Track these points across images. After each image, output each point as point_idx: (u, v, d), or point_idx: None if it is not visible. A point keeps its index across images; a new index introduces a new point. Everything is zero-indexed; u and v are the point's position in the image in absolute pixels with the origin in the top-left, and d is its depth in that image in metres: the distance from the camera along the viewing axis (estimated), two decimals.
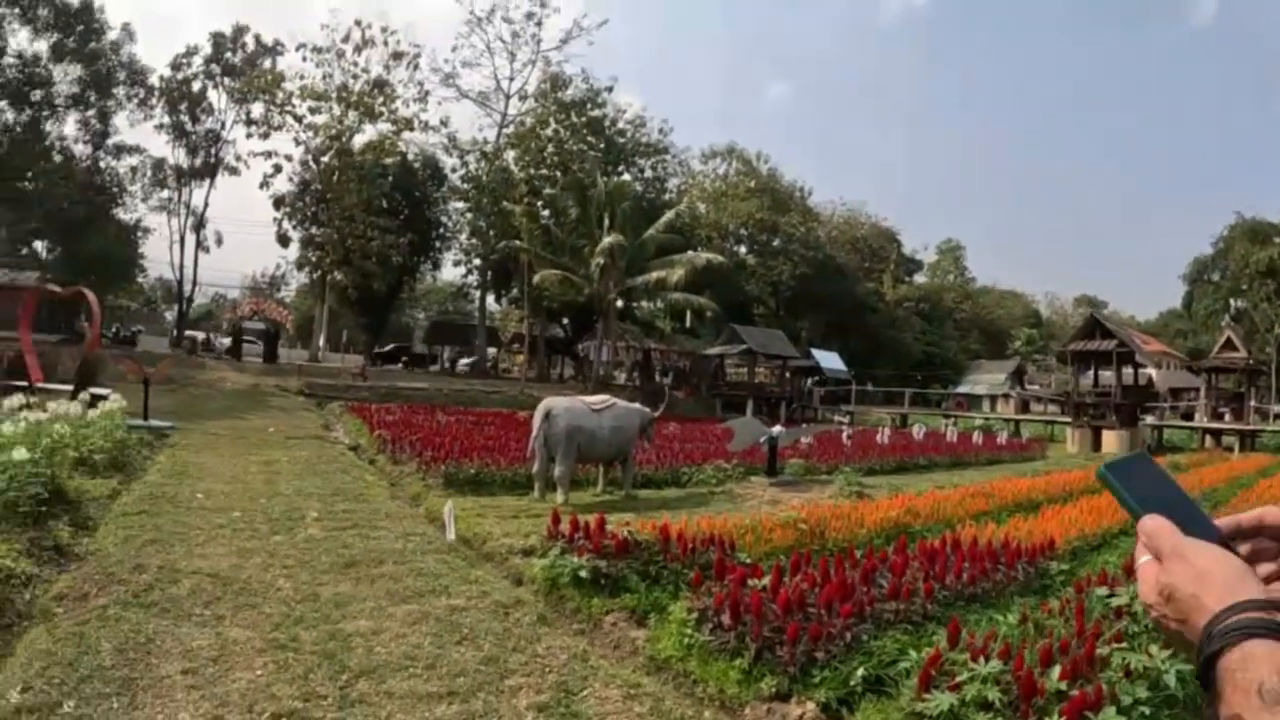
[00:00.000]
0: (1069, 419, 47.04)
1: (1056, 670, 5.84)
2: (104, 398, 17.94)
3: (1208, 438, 45.89)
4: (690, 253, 49.71)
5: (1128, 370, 45.14)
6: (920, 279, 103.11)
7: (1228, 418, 48.21)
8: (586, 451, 14.72)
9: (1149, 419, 45.94)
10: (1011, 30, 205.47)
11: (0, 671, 5.80)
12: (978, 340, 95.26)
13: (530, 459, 14.67)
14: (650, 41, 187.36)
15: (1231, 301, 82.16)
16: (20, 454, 9.38)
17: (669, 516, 13.05)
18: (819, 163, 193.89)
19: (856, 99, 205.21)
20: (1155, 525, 1.15)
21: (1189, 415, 51.35)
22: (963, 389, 74.44)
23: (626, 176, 56.99)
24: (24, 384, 20.97)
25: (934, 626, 7.52)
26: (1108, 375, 46.62)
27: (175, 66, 53.68)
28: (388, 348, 67.43)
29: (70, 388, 20.31)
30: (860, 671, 6.41)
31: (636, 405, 16.39)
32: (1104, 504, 15.05)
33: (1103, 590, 8.05)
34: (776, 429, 20.27)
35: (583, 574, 8.36)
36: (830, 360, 64.39)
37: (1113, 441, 40.54)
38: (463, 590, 8.34)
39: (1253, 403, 47.96)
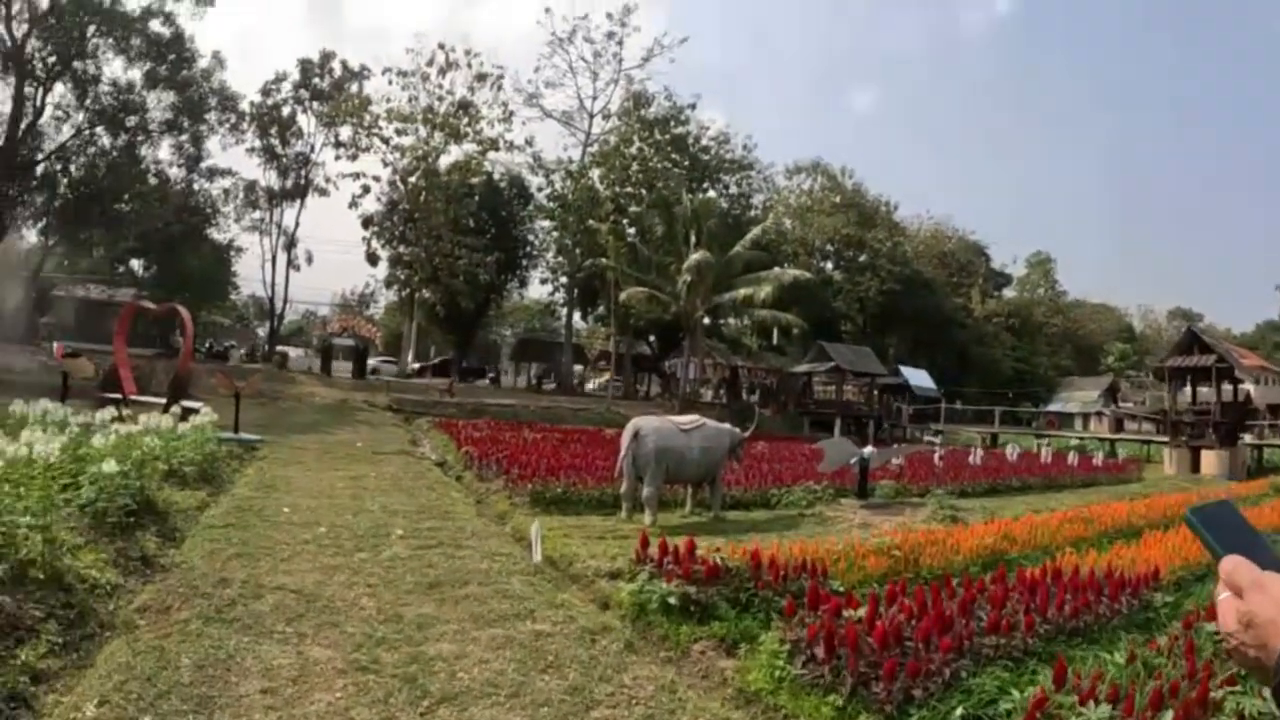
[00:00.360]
0: (1166, 438, 45.47)
1: (1169, 716, 5.50)
2: (195, 411, 18.14)
3: None
4: (777, 269, 49.33)
5: (1226, 387, 43.45)
6: (1009, 293, 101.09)
7: None
8: (675, 472, 14.48)
9: (1247, 437, 44.08)
10: (1095, 35, 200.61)
11: (79, 682, 5.69)
12: (1069, 356, 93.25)
13: (618, 479, 14.45)
14: (733, 58, 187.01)
15: None
16: (110, 466, 9.36)
17: (758, 539, 12.79)
18: (904, 177, 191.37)
19: (942, 112, 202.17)
20: (1234, 563, 1.29)
21: None
22: (1054, 407, 72.74)
23: (711, 193, 56.76)
24: (118, 396, 21.34)
25: (1035, 663, 7.17)
26: (1205, 392, 44.97)
27: (265, 92, 54.94)
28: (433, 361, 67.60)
29: (163, 401, 20.56)
30: (959, 711, 6.09)
31: (726, 425, 16.10)
32: None
33: (1212, 626, 7.49)
34: (868, 449, 19.80)
35: (671, 600, 8.08)
36: (919, 378, 63.44)
37: (1212, 462, 39.09)
38: (548, 615, 8.12)
39: None
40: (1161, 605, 9.57)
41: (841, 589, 8.82)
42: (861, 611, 7.17)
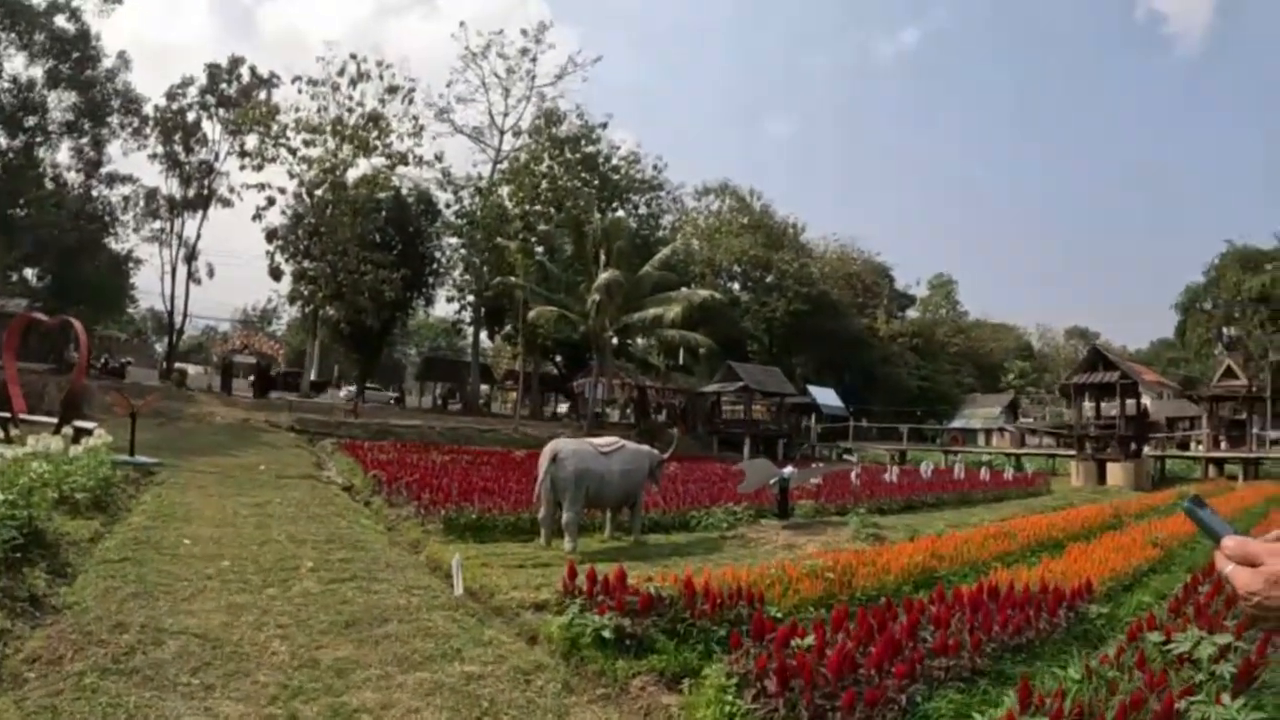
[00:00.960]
0: (1071, 452, 46.91)
1: None
2: (89, 432, 17.29)
3: (1210, 467, 46.16)
4: (686, 289, 49.39)
5: (1129, 402, 44.63)
6: (913, 313, 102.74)
7: (1223, 445, 48.10)
8: (595, 496, 14.06)
9: (1148, 450, 45.41)
10: (999, 67, 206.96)
11: None
12: (971, 374, 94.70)
13: (536, 504, 13.98)
14: (643, 80, 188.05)
15: (1224, 330, 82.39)
16: None
17: (683, 565, 12.69)
18: (811, 200, 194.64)
19: (847, 138, 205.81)
20: (1239, 540, 1.64)
21: (1184, 445, 51.21)
22: (958, 423, 74.03)
23: (620, 213, 56.62)
24: (6, 415, 20.25)
25: (985, 683, 7.11)
26: (1105, 407, 46.14)
27: (170, 96, 52.95)
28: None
29: (55, 421, 19.56)
30: None
31: (646, 447, 15.71)
32: (1129, 541, 15.08)
33: (1155, 636, 7.63)
34: (788, 470, 19.66)
35: (605, 634, 7.69)
36: (827, 397, 63.89)
37: (1118, 474, 40.31)
38: (477, 654, 7.63)
39: (1255, 430, 47.62)
40: (1096, 617, 9.69)
41: (780, 615, 8.58)
42: (809, 640, 6.88)
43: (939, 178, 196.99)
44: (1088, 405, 47.52)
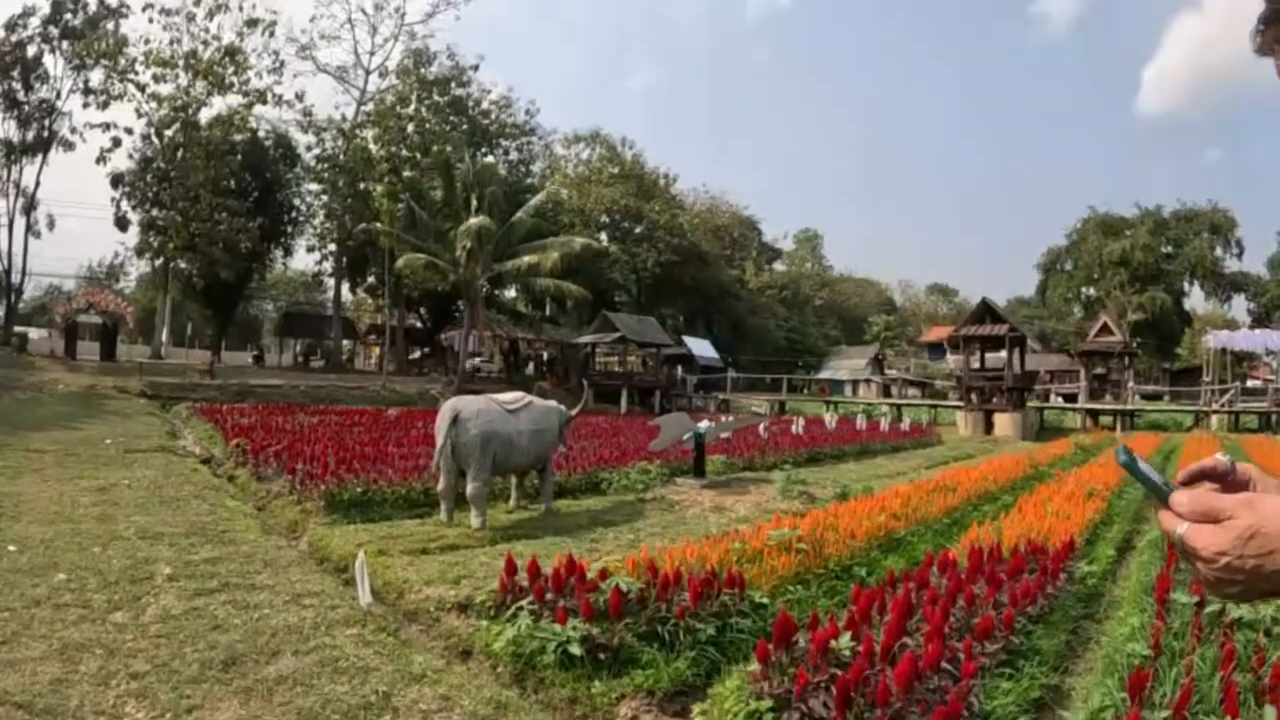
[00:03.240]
0: (953, 403, 48.01)
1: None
2: None
3: (1087, 418, 47.64)
4: (565, 237, 47.69)
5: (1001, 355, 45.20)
6: (780, 267, 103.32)
7: (1107, 399, 49.86)
8: (503, 461, 12.38)
9: (1031, 402, 46.07)
10: (870, 28, 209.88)
11: None
12: (835, 327, 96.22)
13: (435, 474, 12.27)
14: (514, 22, 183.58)
15: (1084, 290, 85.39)
16: None
17: (610, 537, 11.62)
18: (680, 152, 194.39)
19: (717, 91, 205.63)
20: (1193, 494, 1.37)
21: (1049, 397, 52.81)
22: (825, 374, 75.12)
23: (490, 159, 54.62)
24: None
25: (1030, 665, 6.37)
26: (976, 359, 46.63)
27: (9, 27, 47.66)
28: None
29: None
30: None
31: (553, 403, 14.11)
32: (1068, 491, 14.95)
33: (1182, 596, 7.38)
34: (704, 424, 18.47)
35: (573, 648, 6.19)
36: (702, 348, 63.40)
37: (1005, 424, 40.70)
38: (413, 697, 5.84)
39: (1131, 384, 49.16)
40: (1083, 576, 9.34)
41: (766, 600, 7.66)
42: (846, 640, 5.75)
43: (806, 134, 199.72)
44: (957, 358, 48.00)
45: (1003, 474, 18.52)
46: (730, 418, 31.29)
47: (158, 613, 7.34)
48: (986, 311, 44.67)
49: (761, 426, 27.47)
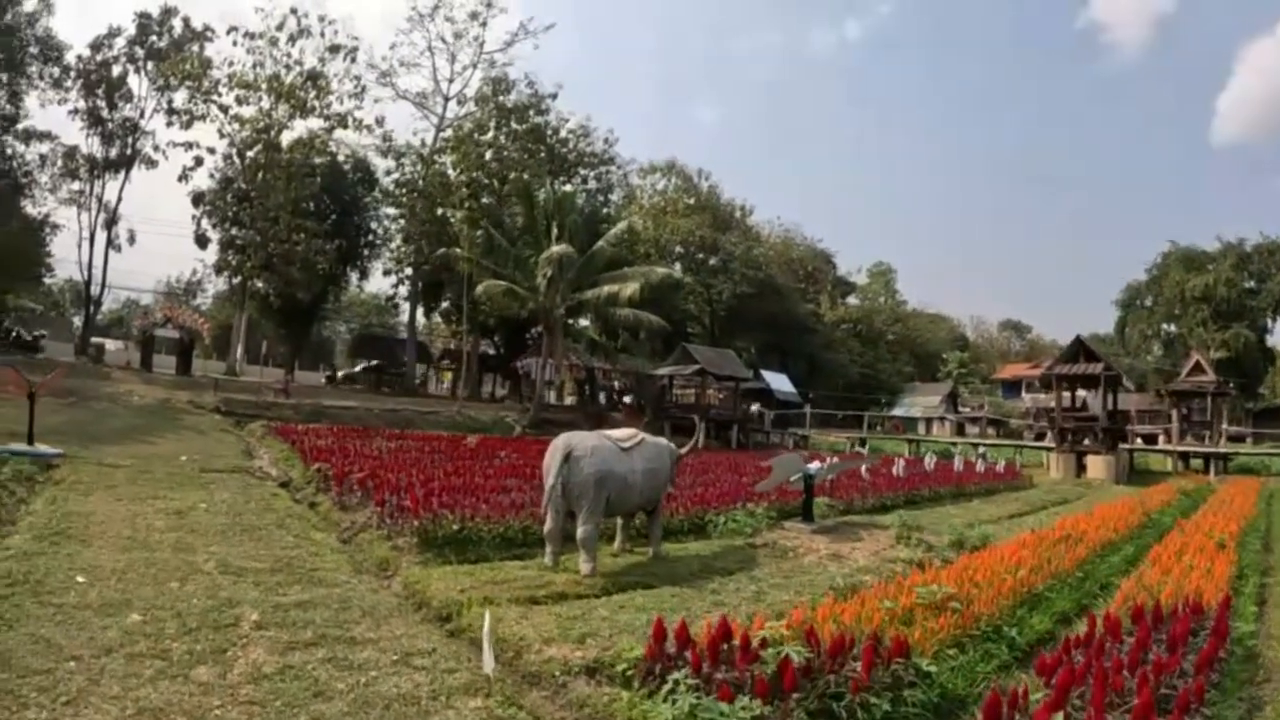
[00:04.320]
0: (1042, 444, 46.14)
1: None
2: None
3: (1178, 461, 45.22)
4: (645, 267, 46.83)
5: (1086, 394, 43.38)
6: (853, 301, 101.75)
7: (1189, 440, 47.80)
8: (617, 503, 11.44)
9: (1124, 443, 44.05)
10: (938, 60, 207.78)
11: None
12: (909, 363, 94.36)
13: (542, 514, 11.35)
14: (586, 56, 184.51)
15: (1164, 326, 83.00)
16: None
17: (730, 587, 10.80)
18: (750, 185, 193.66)
19: (786, 124, 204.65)
20: None
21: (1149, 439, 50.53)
22: (899, 411, 73.48)
23: (569, 187, 53.98)
24: None
25: None
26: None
27: (95, 47, 48.91)
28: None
29: None
30: None
31: (664, 441, 13.13)
32: (1196, 543, 14.46)
33: None
34: (814, 465, 17.26)
35: None
36: (780, 382, 62.20)
37: (1099, 466, 38.93)
38: None
39: (1225, 425, 46.93)
40: (1241, 637, 8.89)
41: (932, 668, 7.01)
42: None
43: (875, 167, 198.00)
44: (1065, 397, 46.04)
45: (1119, 522, 17.79)
46: (833, 457, 29.88)
47: (247, 670, 6.34)
48: (1080, 349, 42.84)
49: (864, 468, 26.17)
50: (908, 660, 6.67)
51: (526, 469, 19.56)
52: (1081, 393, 44.80)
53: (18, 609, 7.44)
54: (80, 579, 8.46)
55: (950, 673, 7.38)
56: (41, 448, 16.61)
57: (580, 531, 10.82)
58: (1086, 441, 40.73)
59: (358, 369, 60.21)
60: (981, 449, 45.79)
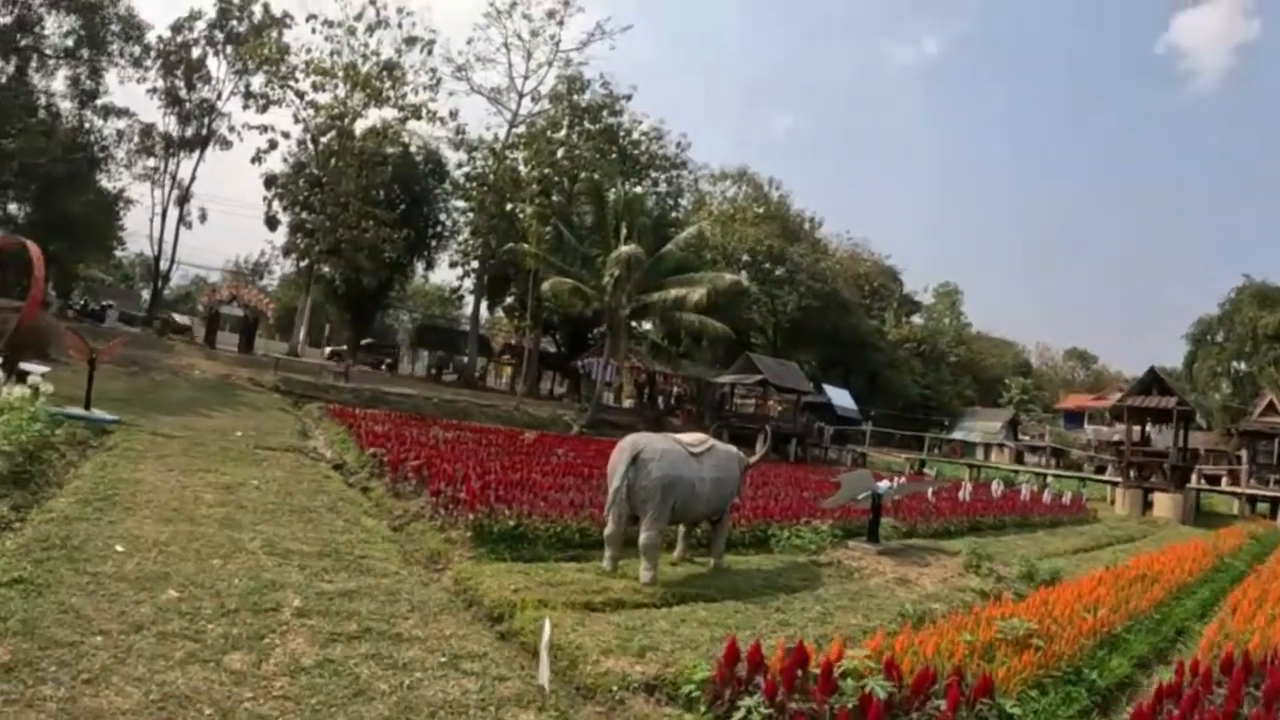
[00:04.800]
0: (1107, 478, 44.91)
1: None
2: (38, 376, 14.29)
3: (1244, 503, 43.48)
4: (712, 273, 46.28)
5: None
6: (917, 320, 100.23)
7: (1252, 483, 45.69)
8: (682, 510, 10.89)
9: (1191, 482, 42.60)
10: (1014, 82, 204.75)
11: None
12: (969, 386, 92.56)
13: (604, 516, 10.76)
14: (662, 58, 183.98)
15: (1235, 364, 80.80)
16: None
17: (796, 606, 10.32)
18: (821, 197, 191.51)
19: (859, 138, 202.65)
20: None
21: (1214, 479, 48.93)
22: (958, 435, 72.19)
23: (639, 189, 53.58)
24: None
25: None
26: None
27: (175, 29, 49.84)
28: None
29: None
30: None
31: (734, 448, 12.49)
32: (1271, 589, 14.11)
33: None
34: (883, 484, 16.61)
35: None
36: (841, 397, 61.35)
37: (1165, 505, 37.52)
38: None
39: None
40: None
41: (1015, 710, 6.59)
42: None
43: (947, 186, 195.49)
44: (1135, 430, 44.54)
45: (1192, 564, 17.11)
46: (899, 478, 29.06)
47: (284, 661, 5.87)
48: (1154, 381, 41.34)
49: (930, 491, 25.35)
50: (992, 700, 6.24)
51: (584, 468, 19.15)
52: (1148, 427, 43.29)
53: (50, 574, 7.06)
54: (119, 548, 8.08)
55: (1033, 716, 6.92)
56: (98, 413, 16.39)
57: (643, 538, 10.29)
58: (1154, 478, 39.39)
59: (344, 347, 59.60)
60: (1048, 479, 44.61)
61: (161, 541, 8.55)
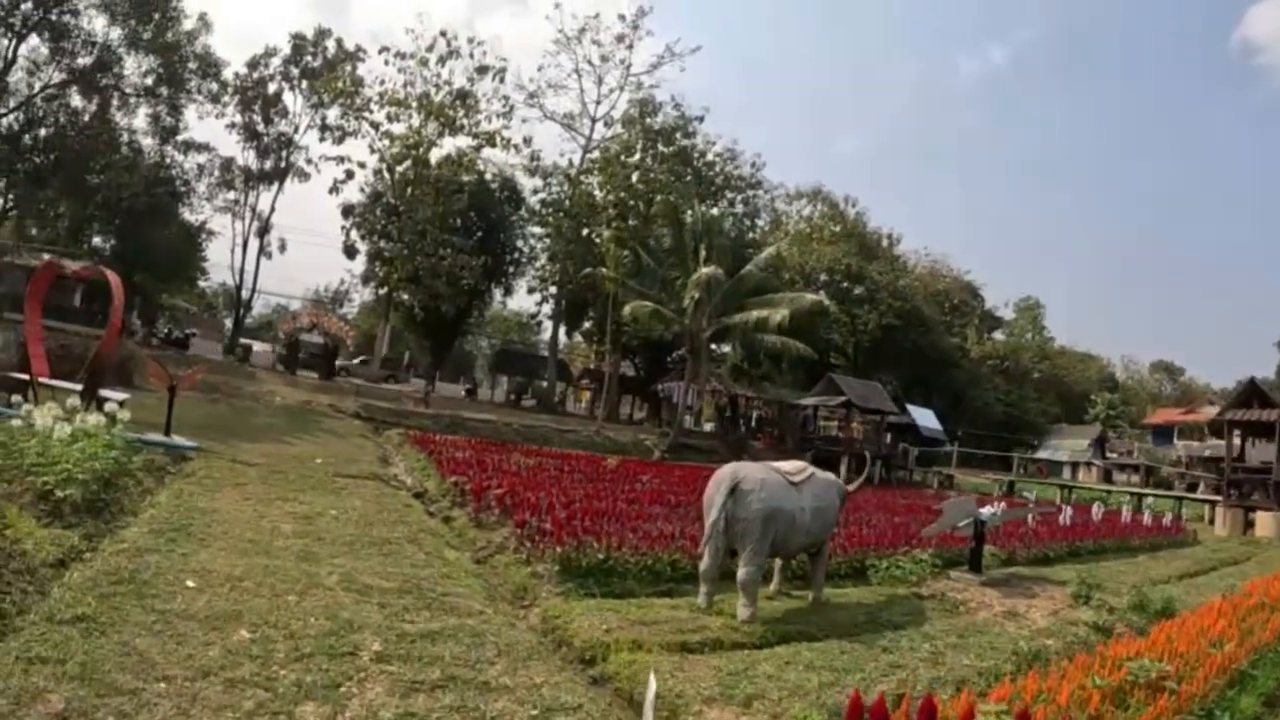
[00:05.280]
0: (1205, 496, 42.91)
1: None
2: (120, 403, 14.11)
3: None
4: (794, 293, 45.50)
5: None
6: (999, 336, 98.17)
7: None
8: (783, 543, 10.26)
9: None
10: (1085, 90, 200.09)
11: None
12: (1054, 403, 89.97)
13: (700, 550, 10.09)
14: (731, 80, 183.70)
15: None
16: None
17: (903, 645, 9.57)
18: (896, 215, 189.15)
19: (929, 153, 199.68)
20: None
21: None
22: (1044, 454, 70.19)
23: (715, 211, 53.07)
24: (24, 378, 17.03)
25: None
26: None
27: (252, 65, 51.21)
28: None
29: (80, 387, 16.19)
30: None
31: (831, 476, 11.83)
32: None
33: None
34: (987, 510, 15.75)
35: None
36: (926, 418, 59.92)
37: (1268, 524, 35.25)
38: None
39: None
40: None
41: None
42: None
43: (1021, 199, 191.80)
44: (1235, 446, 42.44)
45: None
46: (1001, 503, 27.98)
47: (361, 714, 5.37)
48: (1253, 392, 39.17)
49: (1030, 517, 24.29)
50: None
51: (669, 495, 18.63)
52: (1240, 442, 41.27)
53: (116, 611, 6.63)
54: (190, 583, 7.66)
55: None
56: (177, 440, 16.21)
57: (742, 573, 9.68)
58: (1255, 496, 37.48)
59: (356, 361, 59.24)
60: (1149, 500, 42.86)
61: (235, 576, 8.12)
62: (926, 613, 11.68)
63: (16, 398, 12.63)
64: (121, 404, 14.59)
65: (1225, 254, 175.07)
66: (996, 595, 13.44)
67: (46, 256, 33.73)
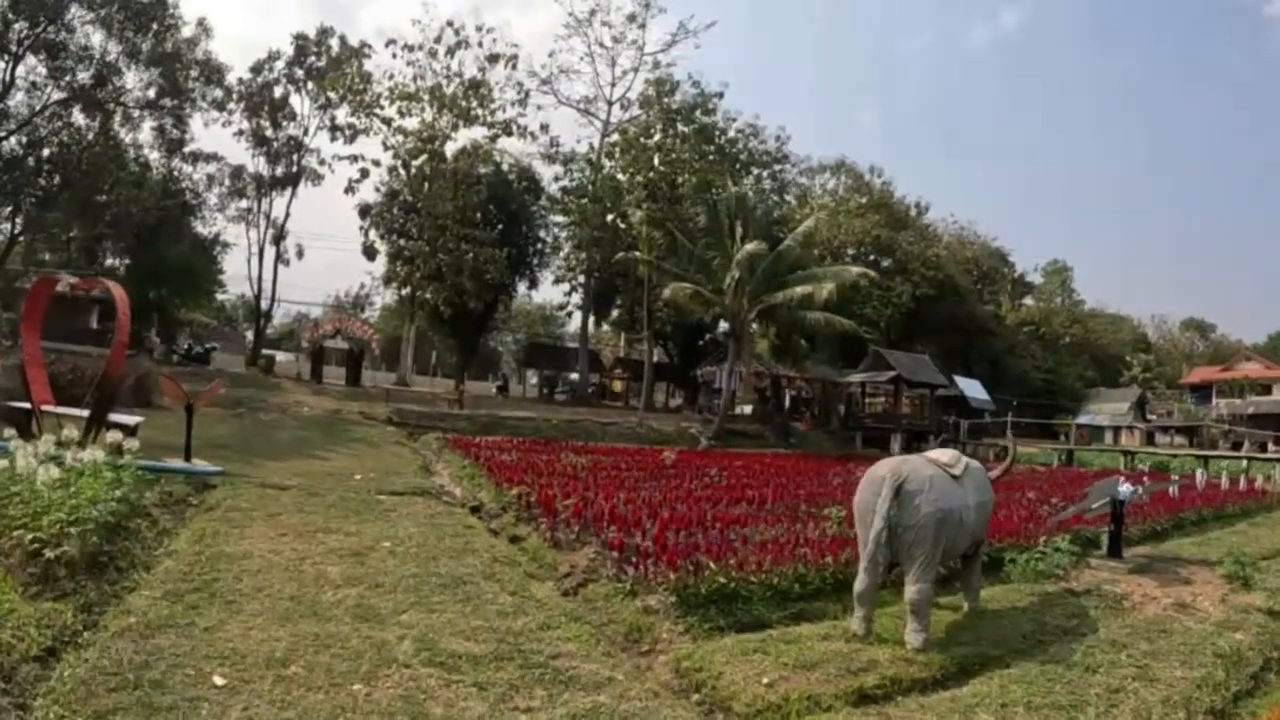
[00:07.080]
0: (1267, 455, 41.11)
1: None
2: (131, 430, 12.43)
3: None
4: (837, 267, 43.64)
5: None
6: (1029, 302, 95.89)
7: None
8: (950, 549, 8.46)
9: None
10: (1113, 46, 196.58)
11: None
12: (1089, 367, 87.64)
13: (864, 567, 8.13)
14: (748, 55, 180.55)
15: None
16: None
17: (1095, 658, 8.09)
18: (920, 184, 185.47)
19: (947, 121, 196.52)
20: None
21: None
22: (1084, 419, 67.75)
23: (743, 186, 51.19)
24: (25, 407, 15.23)
25: None
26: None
27: (255, 70, 49.46)
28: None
29: (86, 414, 14.32)
30: None
31: (978, 463, 9.85)
32: None
33: None
34: (1125, 488, 13.70)
35: None
36: (973, 389, 57.96)
37: None
38: None
39: None
40: None
41: None
42: None
43: (1042, 161, 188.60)
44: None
45: None
46: (1145, 479, 26.02)
47: None
48: None
49: (1172, 489, 22.32)
50: None
51: (748, 490, 16.93)
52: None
53: None
54: (218, 679, 5.57)
55: None
56: (199, 464, 14.37)
57: (911, 590, 7.84)
58: None
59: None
60: (1225, 464, 40.57)
61: (278, 658, 6.05)
62: (1090, 613, 9.87)
63: (9, 431, 10.78)
64: (135, 428, 12.84)
65: (1257, 209, 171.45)
66: (1153, 584, 11.66)
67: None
